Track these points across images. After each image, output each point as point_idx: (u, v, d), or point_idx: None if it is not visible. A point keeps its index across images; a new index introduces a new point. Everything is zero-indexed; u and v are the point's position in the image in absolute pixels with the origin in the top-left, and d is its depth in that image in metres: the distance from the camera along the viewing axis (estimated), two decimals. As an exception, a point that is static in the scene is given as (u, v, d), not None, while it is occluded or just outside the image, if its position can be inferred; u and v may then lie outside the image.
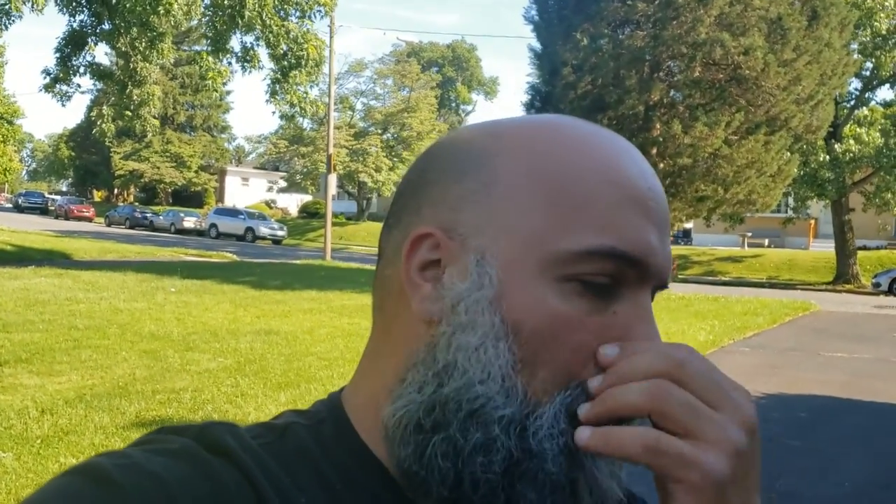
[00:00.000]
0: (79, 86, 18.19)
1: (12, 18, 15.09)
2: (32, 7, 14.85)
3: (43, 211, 60.35)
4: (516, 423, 0.59)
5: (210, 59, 17.29)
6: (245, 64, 17.77)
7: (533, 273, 0.60)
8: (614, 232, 0.60)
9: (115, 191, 70.88)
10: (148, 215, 50.14)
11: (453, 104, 75.66)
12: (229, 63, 17.91)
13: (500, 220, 0.62)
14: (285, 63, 17.63)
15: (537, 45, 21.21)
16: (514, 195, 0.62)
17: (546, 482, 0.59)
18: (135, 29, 16.06)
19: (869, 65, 28.07)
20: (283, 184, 58.53)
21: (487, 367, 0.60)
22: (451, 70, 74.09)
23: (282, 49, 17.47)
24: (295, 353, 9.74)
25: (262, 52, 17.86)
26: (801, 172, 26.86)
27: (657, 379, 0.56)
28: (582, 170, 0.62)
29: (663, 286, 0.65)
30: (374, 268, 0.71)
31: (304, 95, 18.25)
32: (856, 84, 29.24)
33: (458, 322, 0.61)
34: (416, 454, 0.61)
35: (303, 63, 17.63)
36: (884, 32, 26.68)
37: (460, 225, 0.63)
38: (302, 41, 17.55)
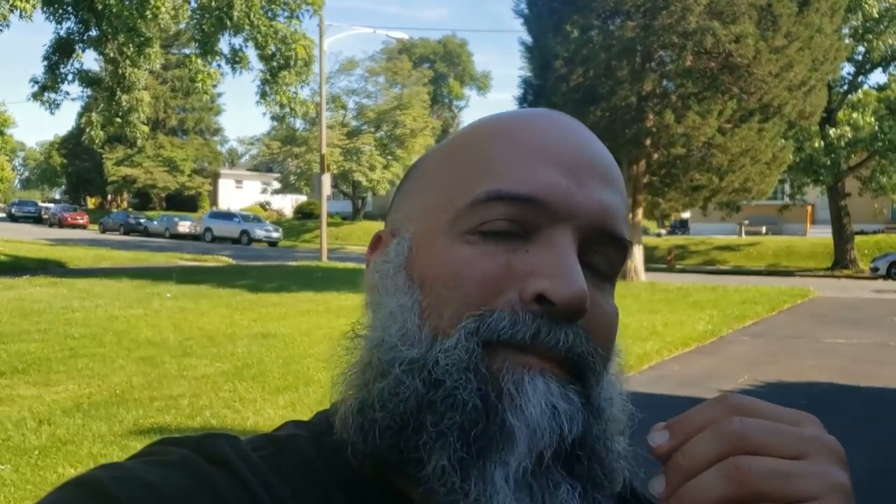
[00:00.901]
0: (67, 93, 18.21)
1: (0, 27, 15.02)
2: (21, 15, 14.78)
3: (37, 219, 60.36)
4: (426, 361, 0.60)
5: (199, 61, 17.27)
6: (234, 65, 17.76)
7: (440, 234, 0.64)
8: (505, 178, 0.63)
9: (109, 197, 70.85)
10: (142, 221, 50.17)
11: (446, 100, 75.64)
12: (218, 65, 17.89)
13: (421, 203, 0.69)
14: (274, 64, 17.62)
15: (528, 39, 21.25)
16: (431, 178, 0.70)
17: (448, 402, 0.59)
18: (122, 35, 16.01)
19: (861, 49, 28.15)
20: (277, 185, 58.53)
21: (396, 322, 0.63)
22: (443, 66, 74.05)
23: (270, 49, 17.45)
24: (293, 355, 9.74)
25: (251, 54, 17.88)
26: (797, 159, 26.97)
27: (728, 459, 0.50)
28: (486, 137, 0.68)
29: (602, 231, 0.64)
30: None
31: (294, 96, 18.24)
32: (848, 68, 29.35)
33: (377, 292, 0.67)
34: (342, 421, 0.65)
35: (292, 63, 17.62)
36: (875, 16, 26.73)
37: (398, 220, 0.71)
38: (290, 41, 17.53)
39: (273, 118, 19.40)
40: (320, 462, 0.65)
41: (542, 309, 0.60)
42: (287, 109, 18.33)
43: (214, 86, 17.94)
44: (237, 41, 17.71)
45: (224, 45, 17.53)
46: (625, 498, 0.75)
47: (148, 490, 0.54)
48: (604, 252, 0.65)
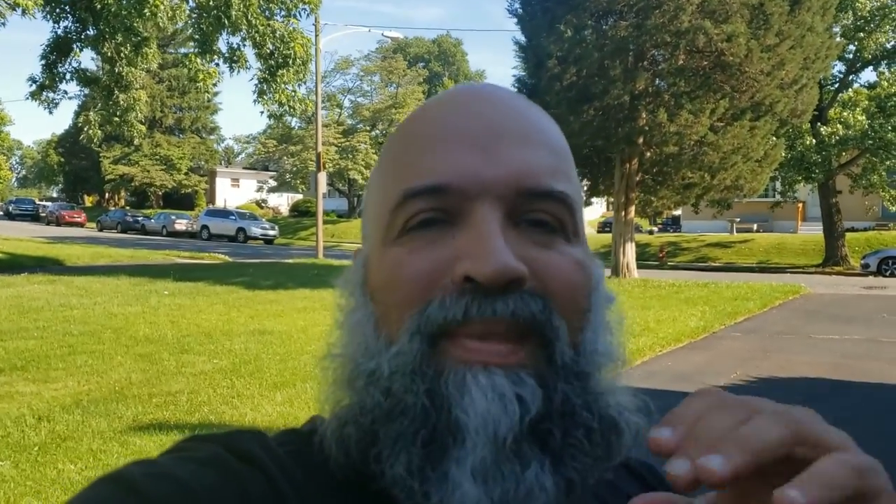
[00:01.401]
0: (65, 92, 18.20)
1: (-3, 25, 15.02)
2: (23, 13, 14.77)
3: (34, 218, 60.06)
4: (380, 371, 0.62)
5: (198, 60, 17.23)
6: (233, 64, 17.71)
7: (380, 243, 0.66)
8: (415, 174, 0.65)
9: (106, 195, 70.56)
10: (139, 219, 50.03)
11: (441, 99, 75.49)
12: (217, 64, 17.86)
13: (368, 219, 0.71)
14: (272, 62, 17.59)
15: (522, 38, 21.25)
16: (371, 193, 0.72)
17: (399, 408, 0.60)
18: (119, 34, 16.00)
19: (852, 47, 28.16)
20: (273, 183, 58.44)
21: (356, 337, 0.66)
22: (438, 65, 73.98)
23: (268, 48, 17.43)
24: (290, 352, 9.74)
25: (249, 53, 17.84)
26: (788, 156, 26.95)
27: (778, 412, 0.47)
28: (400, 139, 0.70)
29: (525, 191, 0.64)
30: None
31: (293, 94, 18.19)
32: (839, 67, 29.36)
33: (343, 311, 0.70)
34: (324, 438, 0.66)
35: (290, 62, 17.58)
36: (865, 15, 26.77)
37: (363, 235, 0.74)
38: (288, 40, 17.50)
39: (271, 117, 19.36)
40: (343, 458, 0.65)
41: (472, 287, 0.60)
42: (286, 108, 18.27)
43: (214, 84, 17.92)
44: (235, 40, 17.69)
45: (222, 44, 17.45)
46: (631, 467, 0.79)
47: (178, 486, 0.55)
48: (541, 208, 0.64)
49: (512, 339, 0.60)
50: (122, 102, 17.39)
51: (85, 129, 18.58)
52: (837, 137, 27.17)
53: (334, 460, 0.64)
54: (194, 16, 17.08)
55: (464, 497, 0.56)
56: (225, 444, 0.63)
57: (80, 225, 52.96)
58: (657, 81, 19.55)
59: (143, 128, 19.75)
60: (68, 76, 17.63)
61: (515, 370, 0.59)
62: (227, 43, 17.72)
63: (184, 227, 46.69)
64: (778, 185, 32.28)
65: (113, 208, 61.76)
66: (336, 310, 0.71)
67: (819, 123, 27.53)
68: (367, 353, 0.64)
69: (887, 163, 28.56)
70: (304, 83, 19.45)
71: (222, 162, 75.53)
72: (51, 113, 18.18)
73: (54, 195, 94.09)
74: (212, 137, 72.27)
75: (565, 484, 0.59)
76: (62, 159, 73.09)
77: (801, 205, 41.55)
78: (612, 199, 22.01)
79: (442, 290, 0.61)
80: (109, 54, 17.03)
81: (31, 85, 17.36)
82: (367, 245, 0.70)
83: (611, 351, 0.66)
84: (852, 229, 33.63)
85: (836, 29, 25.36)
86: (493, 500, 0.56)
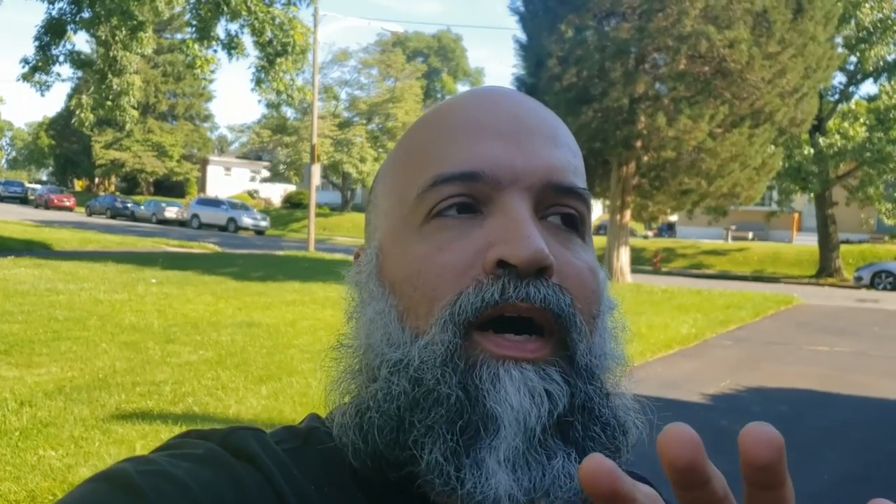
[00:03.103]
0: (58, 75, 18.02)
1: (-9, 5, 14.87)
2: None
3: (22, 200, 59.79)
4: (408, 360, 0.62)
5: (196, 46, 17.12)
6: (231, 51, 17.61)
7: (400, 232, 0.67)
8: (447, 161, 0.65)
9: (96, 180, 70.37)
10: (129, 205, 49.80)
11: (439, 95, 75.56)
12: (215, 51, 17.75)
13: (382, 210, 0.71)
14: (270, 50, 17.48)
15: (523, 37, 21.24)
16: (387, 184, 0.72)
17: (431, 398, 0.60)
18: (115, 17, 15.87)
19: (853, 59, 28.25)
20: (266, 174, 58.23)
21: (378, 328, 0.65)
22: (437, 60, 73.96)
23: (267, 36, 17.32)
24: (277, 345, 9.70)
25: (247, 40, 17.74)
26: (786, 166, 27.05)
27: None
28: (426, 129, 0.70)
29: (553, 186, 0.65)
30: None
31: (291, 82, 18.09)
32: (840, 78, 29.45)
33: (358, 304, 0.70)
34: (340, 426, 0.65)
35: (289, 50, 17.48)
36: (867, 26, 26.82)
37: (369, 232, 0.74)
38: (288, 28, 17.41)
39: (268, 105, 19.32)
40: (340, 458, 0.65)
41: (505, 272, 0.61)
42: (284, 96, 18.17)
43: (212, 71, 17.83)
44: (233, 27, 17.57)
45: (220, 30, 17.33)
46: (632, 474, 0.76)
47: (174, 484, 0.55)
48: (564, 205, 0.66)
49: (539, 332, 0.62)
50: (115, 86, 17.26)
51: (77, 112, 18.43)
52: (835, 149, 27.27)
53: (353, 447, 0.64)
54: (192, 1, 16.95)
55: (497, 484, 0.57)
56: (222, 442, 0.62)
57: (69, 209, 52.80)
58: (657, 85, 19.57)
59: (136, 113, 19.59)
60: (62, 58, 17.51)
61: (543, 366, 0.61)
62: (226, 30, 17.63)
63: (174, 215, 46.52)
64: (774, 194, 32.42)
65: (103, 193, 61.51)
66: (347, 301, 0.72)
67: (817, 134, 27.61)
68: (391, 343, 0.64)
69: (884, 176, 28.69)
70: (302, 72, 19.33)
71: (215, 150, 75.36)
72: (42, 95, 18.06)
73: (44, 178, 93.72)
74: (205, 125, 72.15)
75: None
76: (53, 142, 72.78)
77: (796, 215, 41.76)
78: (607, 203, 22.04)
79: (475, 279, 0.62)
80: (104, 37, 16.90)
81: (23, 66, 17.23)
82: (379, 235, 0.70)
83: (616, 355, 0.68)
84: (847, 241, 33.83)
85: (838, 39, 25.44)
86: (522, 486, 0.58)
